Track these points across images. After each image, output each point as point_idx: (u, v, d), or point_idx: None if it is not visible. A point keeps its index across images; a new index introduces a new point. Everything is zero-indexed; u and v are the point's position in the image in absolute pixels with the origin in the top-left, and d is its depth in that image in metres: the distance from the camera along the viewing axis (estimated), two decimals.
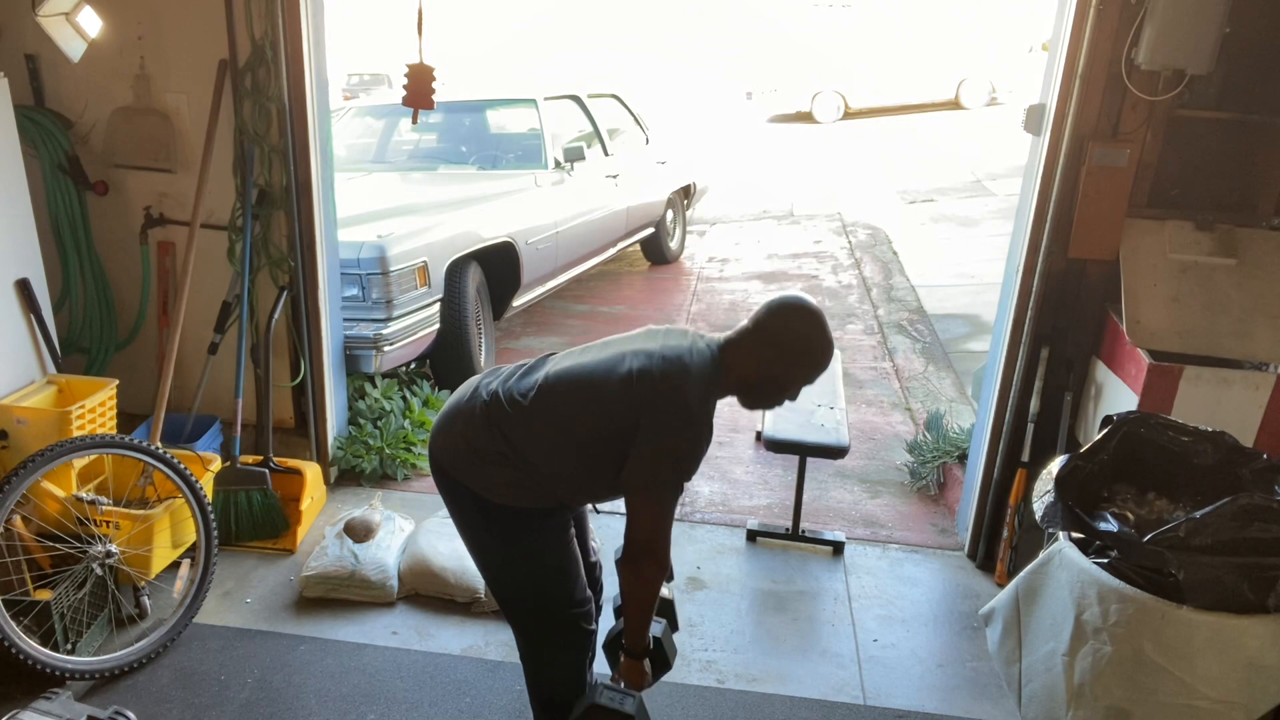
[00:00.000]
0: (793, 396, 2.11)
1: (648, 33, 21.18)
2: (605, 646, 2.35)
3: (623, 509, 2.06)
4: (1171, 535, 1.96)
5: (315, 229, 3.59)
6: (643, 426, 1.96)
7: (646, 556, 2.03)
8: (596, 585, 2.45)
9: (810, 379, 2.09)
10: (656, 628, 2.24)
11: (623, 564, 2.07)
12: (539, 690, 2.32)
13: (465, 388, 2.19)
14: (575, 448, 2.04)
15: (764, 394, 2.12)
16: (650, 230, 7.16)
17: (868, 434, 4.58)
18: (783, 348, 2.03)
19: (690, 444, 1.99)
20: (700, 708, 2.76)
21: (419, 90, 3.24)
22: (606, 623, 2.54)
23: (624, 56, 18.57)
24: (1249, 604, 1.92)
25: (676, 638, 3.02)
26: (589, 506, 2.40)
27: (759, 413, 4.56)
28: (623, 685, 2.17)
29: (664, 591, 2.40)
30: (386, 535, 3.31)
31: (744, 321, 2.09)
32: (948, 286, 7.01)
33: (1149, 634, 1.97)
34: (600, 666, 2.37)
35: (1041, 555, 2.26)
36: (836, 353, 4.48)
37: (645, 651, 2.18)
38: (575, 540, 2.23)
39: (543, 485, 2.06)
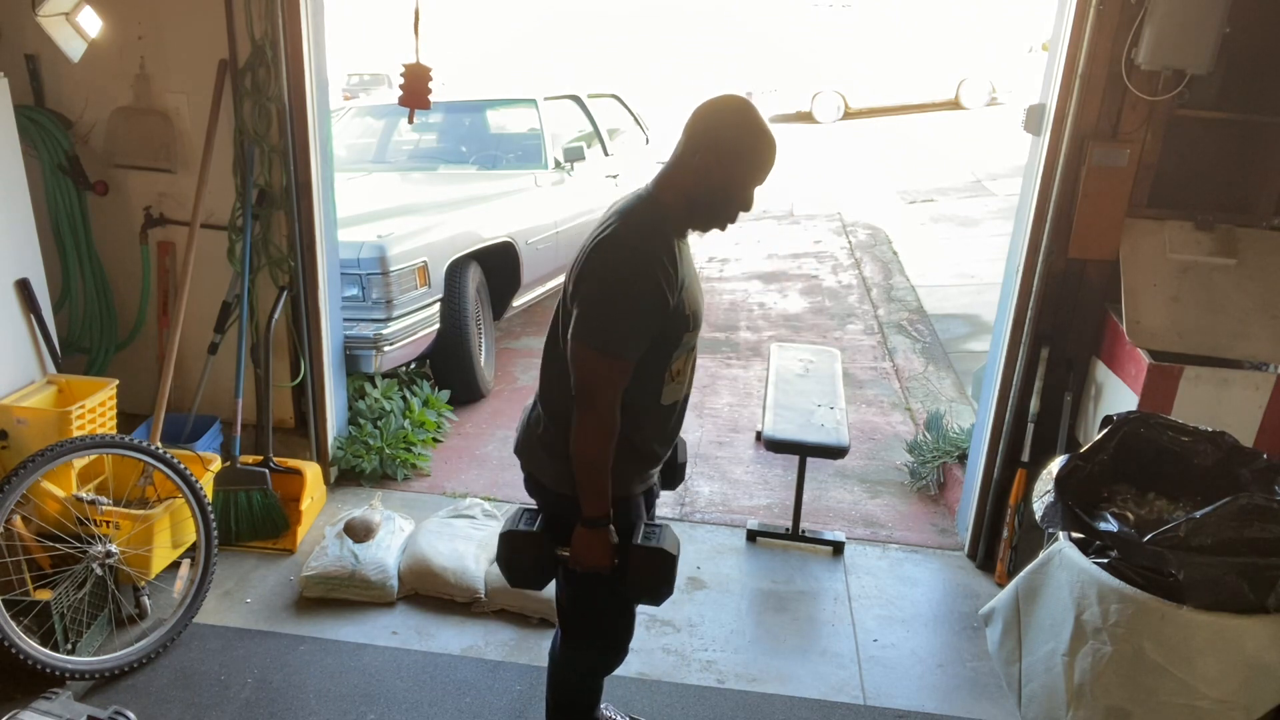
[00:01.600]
0: (746, 205, 1.95)
1: (648, 33, 21.17)
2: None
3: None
4: (1171, 535, 1.96)
5: (315, 229, 3.59)
6: (583, 279, 1.89)
7: (585, 409, 1.89)
8: None
9: (758, 178, 1.92)
10: (656, 534, 2.05)
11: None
12: (559, 691, 2.33)
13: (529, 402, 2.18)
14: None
15: (713, 207, 1.94)
16: None
17: (868, 434, 4.58)
18: (719, 150, 1.87)
19: (630, 285, 1.84)
20: (700, 708, 2.76)
21: (415, 90, 3.24)
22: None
23: (624, 57, 18.56)
24: (1249, 604, 1.92)
25: (677, 638, 3.04)
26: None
27: (759, 413, 4.57)
28: (569, 554, 2.01)
29: (679, 455, 2.28)
30: (386, 535, 3.31)
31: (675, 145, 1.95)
32: (948, 286, 7.01)
33: (1149, 634, 1.97)
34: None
35: (1041, 555, 2.26)
36: (835, 352, 4.53)
37: (599, 520, 1.96)
38: None
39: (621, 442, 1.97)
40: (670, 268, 1.87)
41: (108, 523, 2.88)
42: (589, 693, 2.37)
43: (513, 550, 2.07)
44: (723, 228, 2.01)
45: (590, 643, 2.23)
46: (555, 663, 2.32)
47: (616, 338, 1.85)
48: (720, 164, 1.87)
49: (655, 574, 1.99)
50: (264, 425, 3.60)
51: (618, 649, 2.27)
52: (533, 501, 2.16)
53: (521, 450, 2.14)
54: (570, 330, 1.89)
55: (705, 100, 1.94)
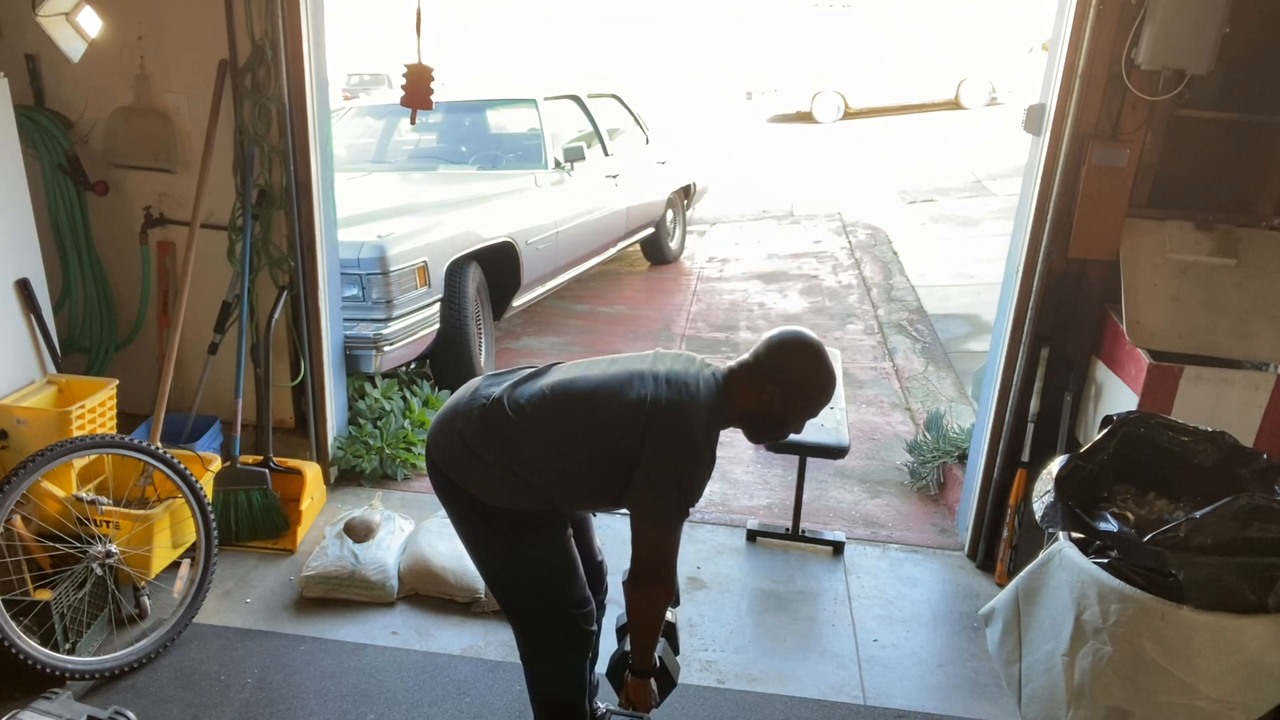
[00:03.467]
0: (797, 430, 2.12)
1: (648, 32, 21.18)
2: (609, 673, 2.33)
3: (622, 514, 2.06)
4: (1171, 535, 1.96)
5: (315, 229, 3.59)
6: (647, 451, 1.97)
7: (652, 580, 2.05)
8: (601, 585, 2.45)
9: (813, 413, 2.10)
10: (658, 647, 2.25)
11: (629, 586, 2.08)
12: (538, 690, 2.32)
13: (465, 389, 2.19)
14: (575, 461, 2.05)
15: (767, 428, 2.13)
16: (650, 230, 7.16)
17: (868, 434, 4.58)
18: (784, 384, 2.04)
19: (694, 470, 2.00)
20: (700, 708, 2.76)
21: (417, 90, 3.24)
22: (609, 625, 2.54)
23: (624, 56, 18.57)
24: (1249, 604, 1.92)
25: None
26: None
27: None
28: (630, 707, 2.20)
29: (667, 615, 2.39)
30: (386, 535, 3.31)
31: (745, 355, 2.10)
32: (948, 286, 7.01)
33: (1149, 634, 1.97)
34: (605, 695, 2.38)
35: (1041, 555, 2.26)
36: (836, 351, 4.51)
37: (652, 671, 2.18)
38: (573, 540, 2.23)
39: (538, 491, 2.06)
40: (714, 450, 2.05)
41: (108, 523, 2.88)
42: (567, 687, 2.33)
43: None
44: (772, 441, 2.23)
45: (541, 642, 2.25)
46: (523, 660, 2.33)
47: (681, 517, 2.03)
48: (784, 399, 2.05)
49: None
50: (264, 425, 3.60)
51: (570, 642, 2.24)
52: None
53: (448, 458, 2.12)
54: (634, 508, 2.01)
55: (784, 334, 2.08)
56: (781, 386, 2.03)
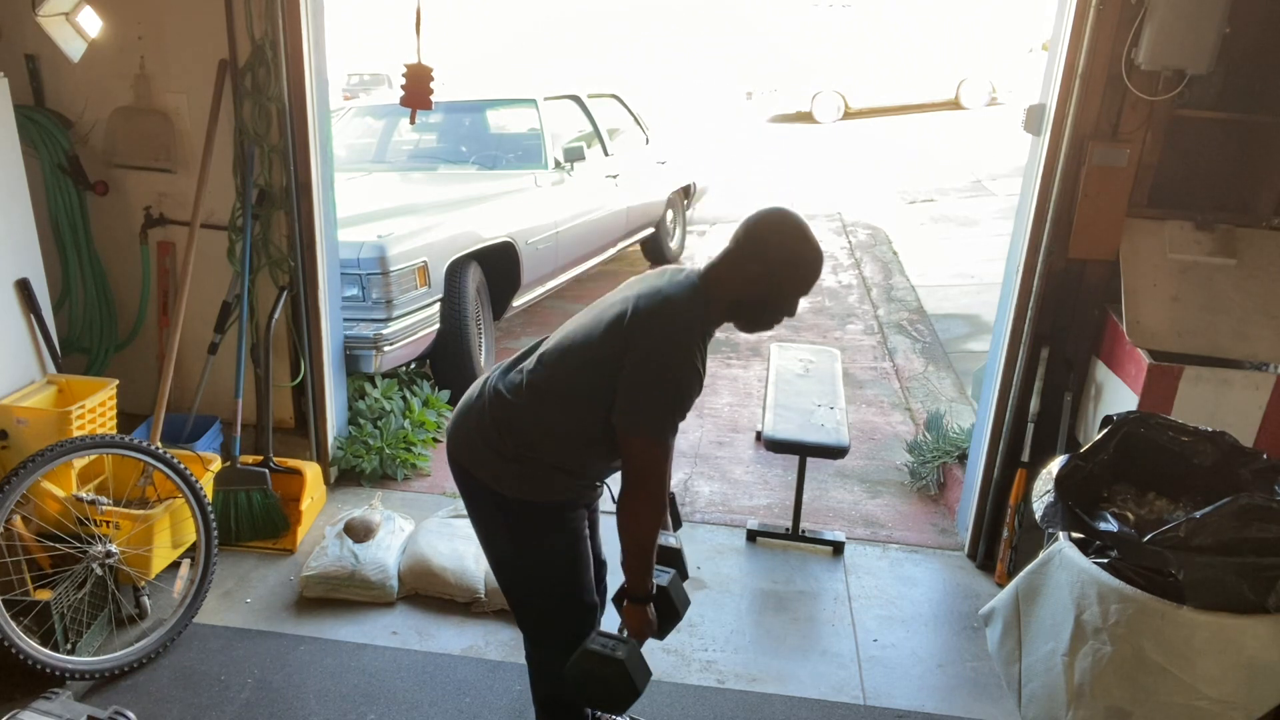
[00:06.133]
0: (790, 312, 2.05)
1: (648, 32, 21.17)
2: (614, 600, 2.25)
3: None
4: (1171, 535, 1.96)
5: (315, 229, 3.59)
6: (627, 363, 1.91)
7: (640, 495, 1.97)
8: (601, 583, 2.45)
9: (803, 291, 2.02)
10: (664, 577, 2.17)
11: (619, 503, 2.01)
12: (539, 688, 2.34)
13: (476, 384, 2.19)
14: (575, 416, 2.00)
15: (757, 314, 2.04)
16: (650, 230, 7.15)
17: (868, 434, 4.58)
18: (768, 263, 1.96)
19: (676, 375, 1.91)
20: (700, 708, 2.76)
21: (417, 90, 3.24)
22: (610, 622, 2.53)
23: (624, 56, 18.57)
24: (1249, 604, 1.92)
25: (677, 638, 3.04)
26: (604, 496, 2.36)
27: (759, 413, 4.57)
28: (625, 634, 2.11)
29: (671, 540, 2.34)
30: (386, 535, 3.31)
31: (726, 243, 2.03)
32: (948, 286, 7.01)
33: (1149, 634, 1.97)
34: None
35: (1041, 555, 2.26)
36: (836, 351, 4.53)
37: (647, 597, 2.10)
38: (588, 540, 2.21)
39: (554, 467, 2.03)
40: (704, 356, 1.97)
41: (108, 523, 2.88)
42: (567, 686, 2.36)
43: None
44: (766, 329, 2.11)
45: (547, 642, 2.24)
46: (529, 661, 2.33)
47: (668, 426, 1.95)
48: (770, 276, 1.97)
49: (603, 682, 2.04)
50: (264, 425, 3.60)
51: (574, 641, 2.19)
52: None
53: (467, 454, 2.11)
54: (620, 420, 1.94)
55: (763, 210, 2.02)
56: (767, 266, 1.95)
